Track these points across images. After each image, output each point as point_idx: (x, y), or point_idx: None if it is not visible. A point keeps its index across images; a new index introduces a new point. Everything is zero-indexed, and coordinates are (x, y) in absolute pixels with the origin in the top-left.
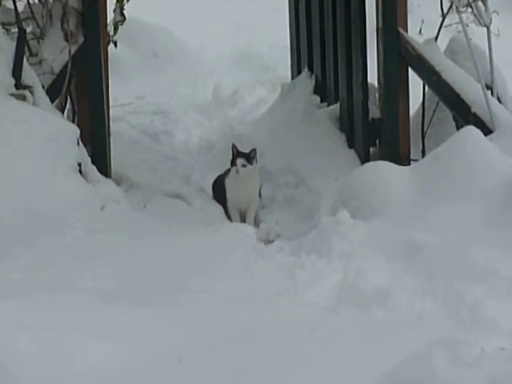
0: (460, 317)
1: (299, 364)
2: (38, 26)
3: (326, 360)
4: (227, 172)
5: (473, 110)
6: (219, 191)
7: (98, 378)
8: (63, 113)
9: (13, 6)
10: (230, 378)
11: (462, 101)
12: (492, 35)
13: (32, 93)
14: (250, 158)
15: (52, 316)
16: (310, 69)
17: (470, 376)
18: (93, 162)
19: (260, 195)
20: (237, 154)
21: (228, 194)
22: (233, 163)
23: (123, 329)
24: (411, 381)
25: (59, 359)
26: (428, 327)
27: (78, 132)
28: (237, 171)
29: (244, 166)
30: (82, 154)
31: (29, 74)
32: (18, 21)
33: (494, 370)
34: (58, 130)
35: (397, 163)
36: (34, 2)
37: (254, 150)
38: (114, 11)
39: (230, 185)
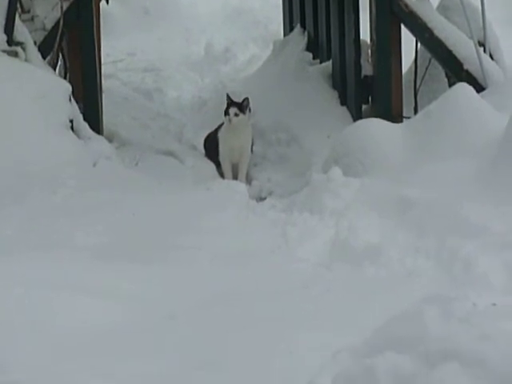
0: (452, 273)
1: (291, 321)
2: None
3: (317, 317)
4: (219, 128)
5: (465, 67)
6: (211, 147)
7: (89, 334)
8: (55, 69)
9: None
10: (221, 334)
11: (455, 58)
12: None
13: (24, 49)
14: (242, 106)
15: (44, 272)
16: (303, 25)
17: (461, 332)
18: (84, 119)
19: (252, 151)
20: (230, 103)
21: (221, 146)
22: (226, 113)
23: (115, 286)
24: (403, 337)
25: (51, 315)
26: (419, 283)
27: (70, 88)
28: (229, 120)
29: (237, 115)
30: (74, 110)
31: (21, 31)
32: None
33: (485, 325)
34: (50, 87)
35: (389, 120)
36: None
37: (246, 99)
38: None
39: (223, 137)
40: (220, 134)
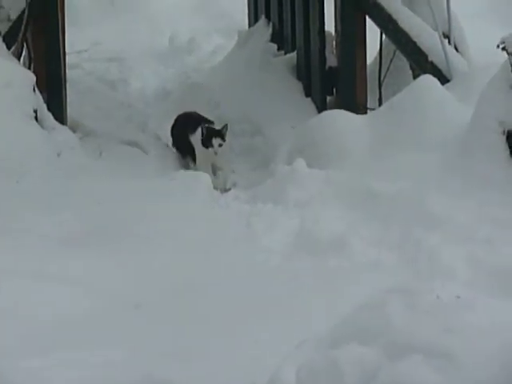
0: (416, 265)
1: (255, 311)
2: None
3: (281, 307)
4: (186, 119)
5: (430, 59)
6: (180, 140)
7: (54, 322)
8: (19, 59)
9: None
10: (185, 324)
11: (419, 49)
12: None
13: None
14: (223, 135)
15: (7, 260)
16: (267, 16)
17: (425, 324)
18: (48, 109)
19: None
20: (210, 133)
21: (198, 162)
22: (206, 143)
23: (79, 274)
24: (366, 328)
25: (13, 303)
26: (384, 275)
27: (34, 79)
28: (215, 153)
29: (221, 145)
30: (38, 100)
31: None
32: None
33: (449, 318)
34: (14, 77)
35: (353, 112)
36: None
37: (225, 126)
38: None
39: (203, 157)
40: (198, 153)
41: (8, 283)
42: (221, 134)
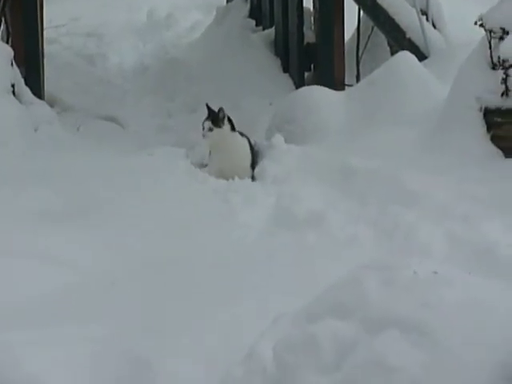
0: (393, 241)
1: (232, 287)
2: None
3: (259, 283)
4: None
5: (407, 36)
6: None
7: (31, 298)
8: None
9: None
10: (161, 300)
11: (397, 26)
12: None
13: None
14: (217, 119)
15: None
16: None
17: (402, 299)
18: (26, 84)
19: (254, 165)
20: (208, 115)
21: (209, 166)
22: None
23: (57, 251)
24: (343, 304)
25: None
26: (361, 251)
27: (12, 53)
28: (203, 136)
29: (211, 129)
30: (16, 75)
31: None
32: None
33: (426, 293)
34: None
35: (331, 88)
36: None
37: (220, 110)
38: None
39: (211, 157)
40: (209, 154)
41: None
42: (214, 116)
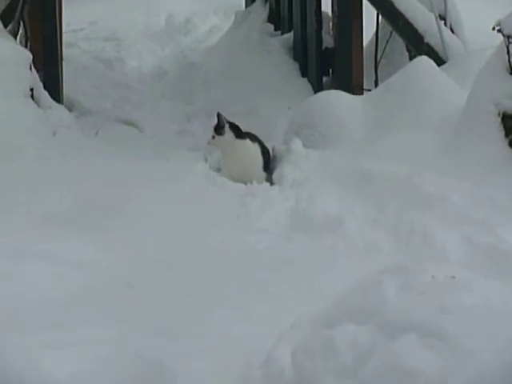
0: (410, 245)
1: (250, 290)
2: None
3: (276, 286)
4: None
5: (426, 40)
6: None
7: (46, 301)
8: (16, 38)
9: None
10: (178, 302)
11: (415, 31)
12: None
13: None
14: (218, 127)
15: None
16: None
17: (420, 304)
18: (45, 88)
19: (269, 170)
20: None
21: (222, 170)
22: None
23: (73, 253)
24: (361, 309)
25: (3, 282)
26: (378, 255)
27: (31, 57)
28: (208, 143)
29: (213, 137)
30: (35, 79)
31: None
32: None
33: (444, 298)
34: (11, 55)
35: (350, 93)
36: None
37: (218, 116)
38: None
39: (222, 159)
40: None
41: (0, 261)
42: (216, 126)
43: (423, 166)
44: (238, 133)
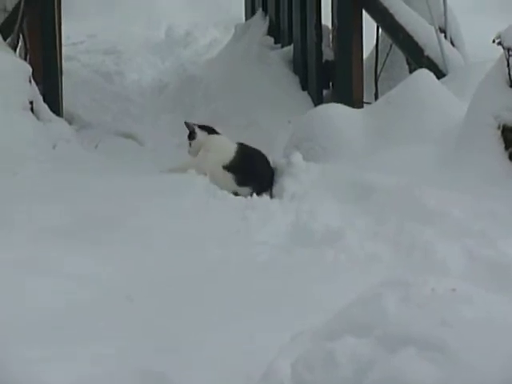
0: (411, 259)
1: (250, 303)
2: None
3: (276, 300)
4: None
5: (426, 53)
6: None
7: (46, 315)
8: (15, 51)
9: None
10: (179, 316)
11: (416, 44)
12: None
13: None
14: (190, 133)
15: (1, 252)
16: (264, 9)
17: (420, 317)
18: (44, 101)
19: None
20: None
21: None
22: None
23: (72, 267)
24: (362, 321)
25: (5, 296)
26: (379, 268)
27: (30, 70)
28: (189, 153)
29: (190, 144)
30: (34, 92)
31: None
32: None
33: (444, 311)
34: (10, 68)
35: (350, 106)
36: None
37: (186, 125)
38: None
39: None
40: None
41: (1, 275)
42: (188, 134)
43: (424, 179)
44: (210, 130)
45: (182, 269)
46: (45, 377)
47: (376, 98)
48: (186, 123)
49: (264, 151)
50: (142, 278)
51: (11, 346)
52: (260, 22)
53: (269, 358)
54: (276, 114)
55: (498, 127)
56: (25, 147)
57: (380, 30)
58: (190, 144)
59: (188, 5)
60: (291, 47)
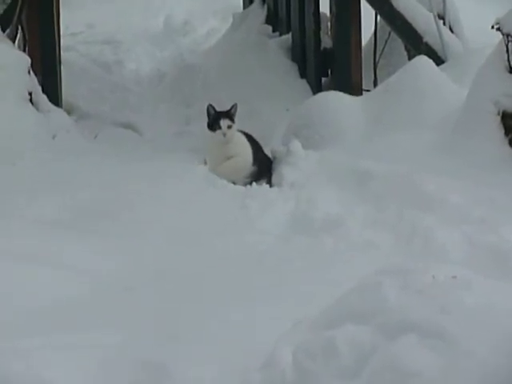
0: (411, 245)
1: (249, 292)
2: None
3: (276, 288)
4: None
5: (425, 40)
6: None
7: (45, 306)
8: (14, 42)
9: None
10: (178, 306)
11: (414, 30)
12: None
13: None
14: (232, 115)
15: (2, 244)
16: None
17: (420, 304)
18: (43, 92)
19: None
20: (217, 114)
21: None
22: (214, 127)
23: (71, 258)
24: (362, 309)
25: (5, 287)
26: (379, 256)
27: (29, 61)
28: (224, 134)
29: (229, 126)
30: (33, 83)
31: None
32: None
33: (444, 298)
34: (9, 59)
35: (349, 93)
36: None
37: (234, 106)
38: None
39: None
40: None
41: (1, 266)
42: (229, 114)
43: (423, 166)
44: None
45: (180, 258)
46: (42, 367)
47: (375, 85)
48: (235, 105)
49: (262, 139)
50: (142, 269)
51: (8, 336)
52: (258, 11)
53: (269, 348)
54: (275, 102)
55: (498, 113)
56: (24, 138)
57: (378, 17)
58: (231, 127)
59: None
60: (289, 35)
